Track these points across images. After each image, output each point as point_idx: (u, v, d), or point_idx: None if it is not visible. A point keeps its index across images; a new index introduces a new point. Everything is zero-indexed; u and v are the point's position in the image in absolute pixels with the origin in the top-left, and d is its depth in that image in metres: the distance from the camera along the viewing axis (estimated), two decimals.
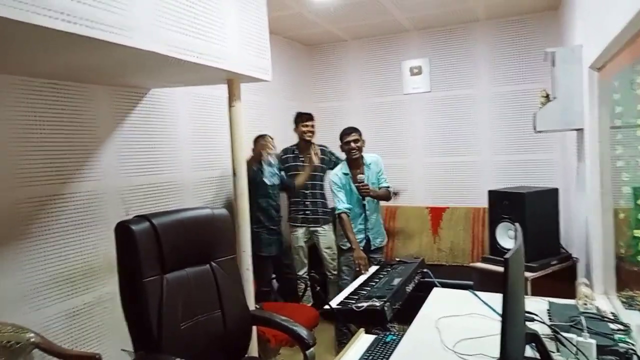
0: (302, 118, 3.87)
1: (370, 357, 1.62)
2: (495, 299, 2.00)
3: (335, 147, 3.79)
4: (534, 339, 1.35)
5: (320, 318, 3.07)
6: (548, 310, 1.82)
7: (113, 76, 2.38)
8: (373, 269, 3.14)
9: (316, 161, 3.60)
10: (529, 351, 1.46)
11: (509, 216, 2.77)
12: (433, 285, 2.39)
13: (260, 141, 3.43)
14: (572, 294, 1.98)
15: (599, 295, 2.14)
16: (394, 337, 1.76)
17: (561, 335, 1.47)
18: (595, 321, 1.65)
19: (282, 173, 3.64)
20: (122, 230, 1.79)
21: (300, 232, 3.89)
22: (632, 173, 1.92)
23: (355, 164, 3.46)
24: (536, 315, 1.67)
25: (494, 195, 2.93)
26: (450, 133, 4.39)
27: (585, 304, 1.78)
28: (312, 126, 3.87)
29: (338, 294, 2.84)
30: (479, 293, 2.12)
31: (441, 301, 2.12)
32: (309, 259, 3.95)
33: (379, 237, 3.55)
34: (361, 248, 3.35)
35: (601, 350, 1.43)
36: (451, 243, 4.12)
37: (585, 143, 2.53)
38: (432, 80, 4.43)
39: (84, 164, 2.45)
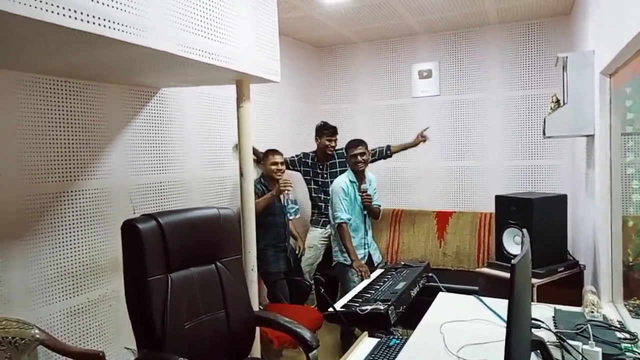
0: (329, 132, 3.84)
1: None
2: (501, 305, 1.98)
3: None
4: (540, 346, 1.33)
5: (324, 320, 3.06)
6: (553, 317, 1.80)
7: (125, 75, 2.40)
8: (378, 272, 3.13)
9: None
10: (534, 358, 1.45)
11: (516, 222, 2.75)
12: (438, 289, 2.38)
13: (271, 165, 3.38)
14: (578, 302, 1.96)
15: (605, 303, 2.11)
16: (398, 341, 1.75)
17: (567, 342, 1.45)
18: (602, 329, 1.63)
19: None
20: (129, 229, 1.80)
21: (318, 232, 3.91)
22: None
23: (360, 176, 3.42)
24: (542, 322, 1.65)
25: (501, 201, 2.91)
26: (459, 137, 4.37)
27: (592, 312, 1.76)
28: (336, 141, 3.87)
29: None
30: (484, 298, 2.11)
31: (446, 306, 2.11)
32: (321, 261, 3.95)
33: (377, 252, 3.53)
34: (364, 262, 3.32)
35: (607, 358, 1.41)
36: (457, 248, 4.10)
37: (595, 149, 2.51)
38: (442, 83, 4.41)
39: (93, 161, 2.47)
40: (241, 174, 2.55)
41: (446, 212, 4.29)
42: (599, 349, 1.41)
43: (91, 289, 2.45)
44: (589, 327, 1.58)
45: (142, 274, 1.76)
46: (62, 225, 2.31)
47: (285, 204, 3.53)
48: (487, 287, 2.74)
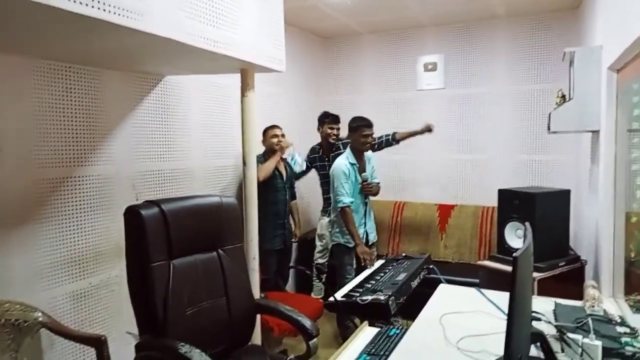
0: (330, 120, 3.86)
1: (373, 350, 1.62)
2: (502, 298, 1.98)
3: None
4: (539, 338, 1.34)
5: (325, 310, 3.08)
6: (554, 310, 1.80)
7: (128, 62, 2.39)
8: (379, 262, 3.13)
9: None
10: (533, 351, 1.45)
11: (519, 216, 2.75)
12: (438, 281, 2.38)
13: (272, 138, 3.43)
14: (579, 296, 1.96)
15: (606, 298, 2.12)
16: (397, 331, 1.76)
17: (567, 336, 1.45)
18: (602, 323, 1.63)
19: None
20: (132, 215, 1.81)
21: (325, 221, 3.92)
22: None
23: (360, 156, 3.39)
24: (542, 315, 1.66)
25: (504, 194, 2.91)
26: (463, 131, 4.35)
27: (593, 306, 1.76)
28: (338, 129, 3.87)
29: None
30: (485, 291, 2.11)
31: (446, 298, 2.11)
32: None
33: (373, 231, 3.53)
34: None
35: (607, 352, 1.41)
36: (458, 240, 4.10)
37: (601, 145, 2.50)
38: (447, 77, 4.39)
39: (97, 148, 2.47)
40: (244, 163, 2.55)
41: (448, 205, 4.29)
42: (599, 343, 1.41)
43: (94, 274, 2.46)
44: (590, 321, 1.58)
45: (145, 259, 1.77)
46: (65, 211, 2.32)
47: (290, 160, 3.50)
48: (488, 280, 2.74)
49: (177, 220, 1.87)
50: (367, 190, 3.36)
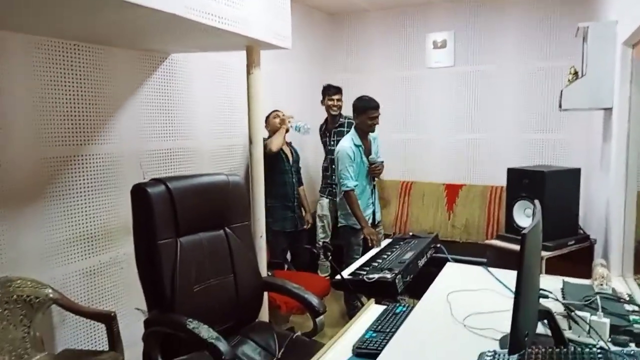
0: (329, 91, 3.84)
1: (380, 327, 1.63)
2: (509, 276, 1.98)
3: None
4: (547, 315, 1.33)
5: (332, 288, 3.10)
6: (562, 289, 1.79)
7: (134, 39, 2.37)
8: (386, 242, 3.14)
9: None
10: (540, 328, 1.45)
11: (528, 195, 2.72)
12: (446, 260, 2.38)
13: (274, 119, 3.43)
14: (587, 276, 1.95)
15: (615, 277, 2.10)
16: (404, 309, 1.76)
17: (575, 313, 1.45)
18: (610, 302, 1.62)
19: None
20: (138, 192, 1.81)
21: (325, 202, 3.94)
22: None
23: (365, 137, 3.34)
24: (550, 292, 1.65)
25: (513, 173, 2.88)
26: (472, 109, 4.29)
27: (601, 285, 1.75)
28: (339, 100, 3.83)
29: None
30: (492, 269, 2.11)
31: (453, 276, 2.11)
32: (332, 229, 3.98)
33: (379, 211, 3.52)
34: (369, 223, 3.33)
35: (615, 329, 1.40)
36: (466, 220, 4.09)
37: (613, 123, 2.45)
38: (457, 54, 4.30)
39: (104, 126, 2.47)
40: (250, 142, 2.54)
41: (456, 184, 4.26)
42: (607, 320, 1.40)
43: (103, 251, 2.49)
44: (598, 299, 1.57)
45: (152, 237, 1.78)
46: (74, 189, 2.33)
47: (295, 129, 3.45)
48: (496, 260, 2.73)
49: (184, 198, 1.87)
50: (375, 172, 3.34)
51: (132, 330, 2.52)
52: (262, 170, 2.58)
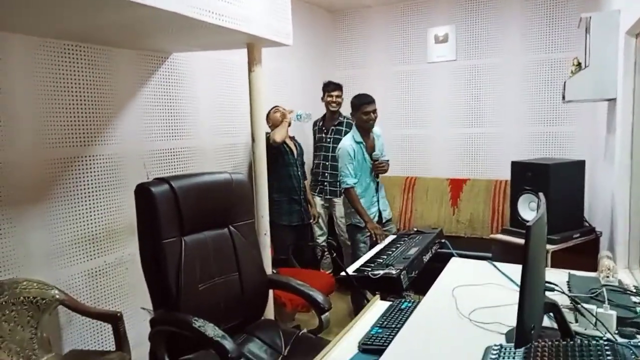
0: (329, 88, 3.84)
1: (386, 323, 1.63)
2: (515, 270, 1.97)
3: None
4: (553, 308, 1.32)
5: (336, 284, 3.10)
6: (568, 281, 1.78)
7: (135, 39, 2.37)
8: (390, 238, 3.13)
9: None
10: (546, 321, 1.44)
11: (532, 188, 2.71)
12: (450, 256, 2.37)
13: (274, 114, 3.43)
14: (593, 269, 1.94)
15: (621, 269, 2.09)
16: (409, 304, 1.76)
17: (581, 305, 1.44)
18: (617, 294, 1.61)
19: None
20: (142, 192, 1.81)
21: (318, 200, 3.95)
22: None
23: (367, 132, 3.32)
24: (556, 285, 1.64)
25: (517, 167, 2.86)
26: (475, 103, 4.27)
27: (607, 277, 1.74)
28: (338, 96, 3.83)
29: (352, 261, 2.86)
30: (497, 264, 2.10)
31: (458, 271, 2.10)
32: (328, 227, 4.00)
33: (387, 208, 3.51)
34: (375, 221, 3.33)
35: (621, 322, 1.40)
36: (470, 215, 4.08)
37: (617, 114, 2.43)
38: (458, 48, 4.28)
39: (107, 127, 2.47)
40: (253, 139, 2.53)
41: (460, 179, 4.25)
42: (614, 312, 1.40)
43: (108, 252, 2.49)
44: (604, 291, 1.56)
45: (156, 236, 1.78)
46: (78, 190, 2.34)
47: (296, 118, 3.47)
48: (501, 254, 2.73)
49: (188, 197, 1.87)
50: (379, 169, 3.31)
51: (139, 329, 2.54)
52: (265, 168, 2.58)
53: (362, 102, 3.23)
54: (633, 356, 1.15)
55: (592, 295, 1.58)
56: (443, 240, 2.98)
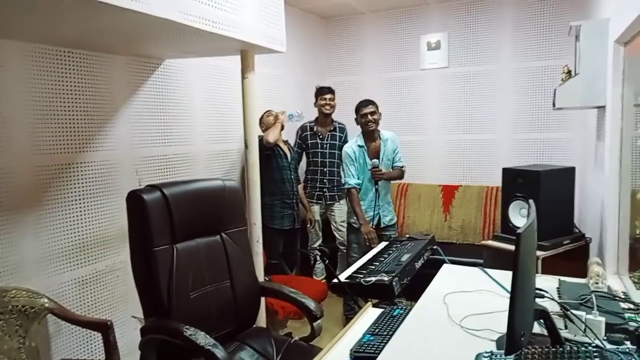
0: (322, 91, 3.84)
1: (377, 330, 1.62)
2: (505, 277, 1.98)
3: (349, 121, 3.77)
4: (543, 315, 1.33)
5: (329, 291, 3.09)
6: (558, 288, 1.79)
7: (128, 45, 2.37)
8: (382, 244, 3.13)
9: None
10: (536, 327, 1.45)
11: (523, 194, 2.73)
12: (442, 262, 2.38)
13: (267, 117, 3.43)
14: (583, 275, 1.95)
15: (610, 275, 2.11)
16: (401, 311, 1.76)
17: (570, 312, 1.45)
18: (606, 300, 1.62)
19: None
20: (134, 199, 1.81)
21: (316, 207, 3.91)
22: None
23: (371, 137, 3.42)
24: (546, 292, 1.65)
25: (508, 173, 2.88)
26: (467, 110, 4.30)
27: (597, 283, 1.75)
28: (331, 99, 3.83)
29: (346, 268, 2.86)
30: (488, 270, 2.11)
31: (450, 277, 2.11)
32: (323, 233, 4.00)
33: (388, 214, 3.53)
34: (372, 225, 3.37)
35: (610, 328, 1.41)
36: (462, 221, 4.09)
37: (606, 121, 2.46)
38: (450, 55, 4.32)
39: (99, 133, 2.46)
40: (246, 146, 2.54)
41: (452, 185, 4.27)
42: (603, 318, 1.41)
43: (99, 259, 2.48)
44: (593, 298, 1.57)
45: (148, 244, 1.77)
46: (69, 197, 2.32)
47: (289, 118, 3.47)
48: (492, 260, 2.74)
49: (180, 204, 1.87)
50: (376, 176, 3.34)
51: (129, 338, 2.52)
52: (258, 174, 2.58)
53: (359, 106, 3.40)
54: None
55: (581, 301, 1.59)
56: (435, 247, 2.98)
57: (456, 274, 2.16)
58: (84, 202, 2.39)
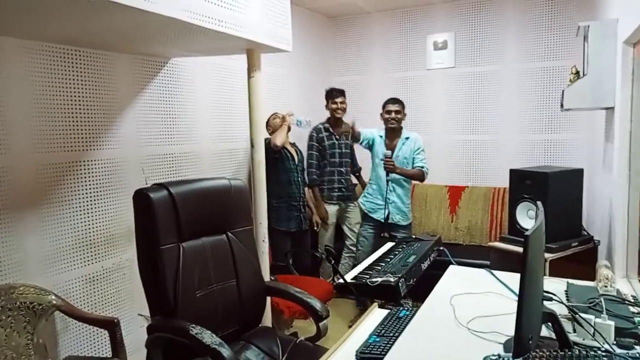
0: (332, 94, 3.83)
1: (383, 331, 1.62)
2: (513, 279, 1.97)
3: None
4: (551, 318, 1.32)
5: (334, 292, 3.09)
6: (566, 291, 1.78)
7: (134, 43, 2.37)
8: (389, 245, 3.13)
9: (347, 135, 3.65)
10: (544, 331, 1.44)
11: (531, 196, 2.71)
12: (449, 263, 2.37)
13: (274, 120, 3.43)
14: (591, 277, 1.94)
15: (619, 278, 2.09)
16: (407, 312, 1.76)
17: (579, 315, 1.43)
18: (615, 303, 1.61)
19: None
20: (141, 198, 1.81)
21: (334, 208, 3.88)
22: None
23: (392, 134, 3.50)
24: (554, 294, 1.64)
25: (516, 175, 2.87)
26: (473, 110, 4.28)
27: (606, 286, 1.74)
28: (342, 102, 3.81)
29: (352, 267, 2.86)
30: (495, 272, 2.10)
31: (457, 279, 2.10)
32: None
33: (399, 213, 3.52)
34: (381, 219, 3.48)
35: (619, 332, 1.39)
36: (469, 222, 4.08)
37: (615, 122, 2.44)
38: (457, 55, 4.30)
39: (105, 131, 2.47)
40: (252, 145, 2.54)
41: (459, 186, 4.25)
42: (612, 322, 1.39)
43: (106, 257, 2.49)
44: (602, 301, 1.56)
45: (154, 242, 1.77)
46: (76, 195, 2.33)
47: (296, 124, 3.44)
48: (499, 262, 2.72)
49: (186, 203, 1.87)
50: (387, 166, 3.38)
51: (135, 336, 2.52)
52: (264, 174, 2.57)
53: (387, 102, 3.53)
54: None
55: (590, 305, 1.57)
56: (441, 248, 2.97)
57: (463, 276, 2.15)
58: (90, 200, 2.40)
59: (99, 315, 2.35)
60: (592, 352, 1.23)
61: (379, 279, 2.33)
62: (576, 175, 2.79)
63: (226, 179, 2.10)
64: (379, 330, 1.63)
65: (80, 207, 2.35)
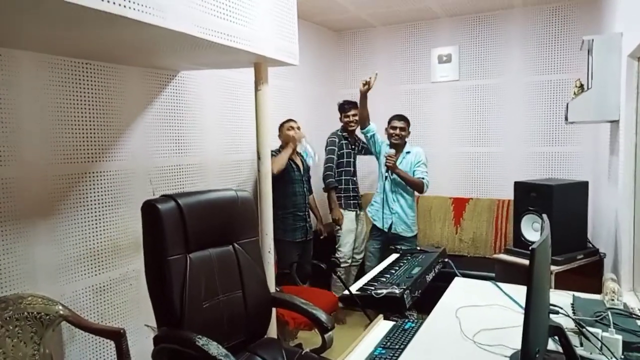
0: (344, 108, 3.90)
1: (389, 343, 1.62)
2: (518, 291, 1.97)
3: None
4: (558, 332, 1.32)
5: (340, 303, 3.09)
6: (572, 304, 1.78)
7: (144, 57, 2.41)
8: (394, 256, 3.13)
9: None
10: (551, 344, 1.44)
11: (536, 208, 2.71)
12: (453, 275, 2.37)
13: (287, 131, 3.46)
14: (597, 290, 1.93)
15: (626, 291, 2.08)
16: (413, 325, 1.76)
17: (586, 329, 1.43)
18: (622, 317, 1.61)
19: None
20: (149, 209, 1.83)
21: (352, 215, 3.91)
22: None
23: (395, 148, 3.55)
24: (560, 308, 1.64)
25: (520, 187, 2.87)
26: (478, 123, 4.30)
27: (612, 300, 1.74)
28: (354, 115, 3.85)
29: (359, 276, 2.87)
30: (501, 284, 2.10)
31: (462, 291, 2.10)
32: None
33: (402, 224, 3.53)
34: (385, 229, 3.50)
35: (627, 346, 1.39)
36: (473, 234, 4.07)
37: (620, 135, 2.45)
38: (462, 68, 4.33)
39: (114, 143, 2.50)
40: (258, 157, 2.56)
41: (463, 198, 4.26)
42: (620, 337, 1.39)
43: (113, 268, 2.50)
44: (609, 315, 1.56)
45: (162, 253, 1.79)
46: (84, 206, 2.35)
47: (305, 153, 3.50)
48: (504, 274, 2.71)
49: (194, 214, 1.89)
50: (388, 164, 3.44)
51: (142, 347, 2.53)
52: (270, 185, 2.59)
53: (392, 118, 3.63)
54: None
55: (597, 318, 1.57)
56: (446, 260, 2.98)
57: (468, 288, 2.15)
58: (98, 211, 2.42)
59: (105, 326, 2.36)
60: None
61: (384, 291, 2.33)
62: (581, 188, 2.79)
63: (233, 190, 2.12)
64: (384, 343, 1.63)
65: (88, 218, 2.37)
